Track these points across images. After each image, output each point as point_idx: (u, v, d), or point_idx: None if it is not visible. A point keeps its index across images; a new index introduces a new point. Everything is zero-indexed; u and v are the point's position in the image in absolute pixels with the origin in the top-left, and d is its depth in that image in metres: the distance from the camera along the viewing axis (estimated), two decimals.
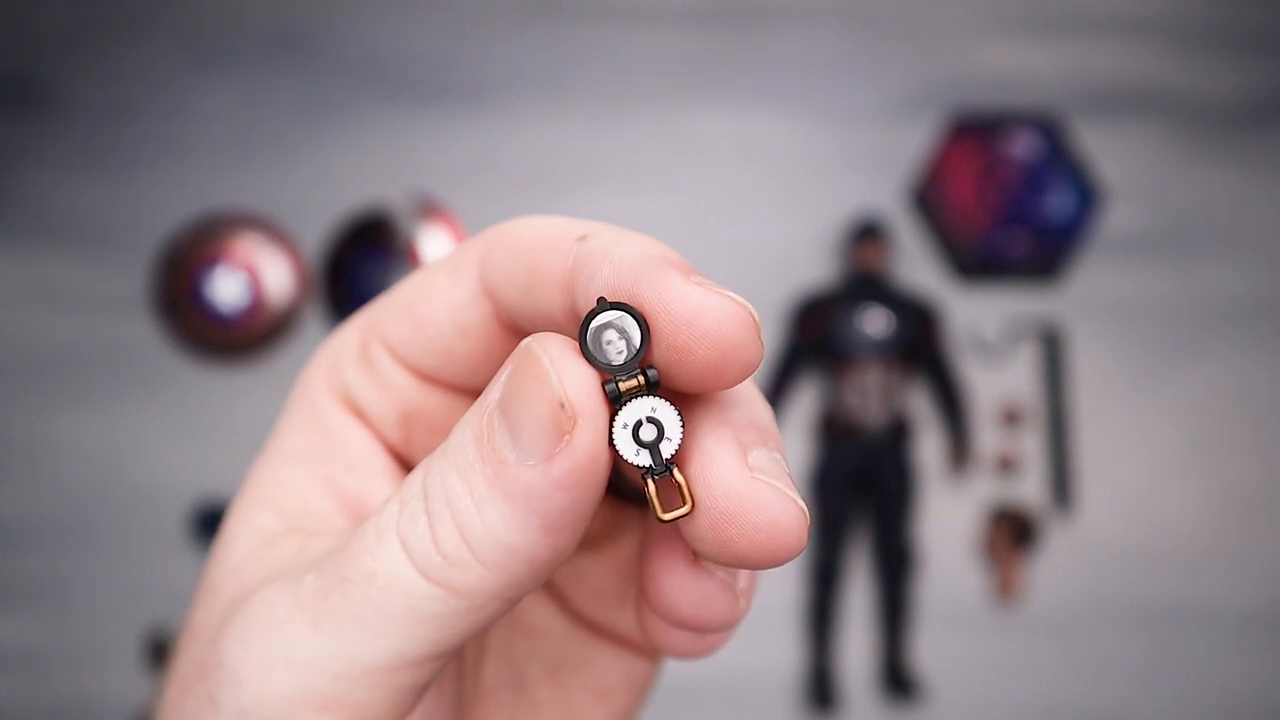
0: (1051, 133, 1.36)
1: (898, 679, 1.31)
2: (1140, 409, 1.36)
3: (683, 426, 0.21)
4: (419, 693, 0.23)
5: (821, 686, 1.31)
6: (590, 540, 0.28)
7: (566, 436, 0.20)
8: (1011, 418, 1.34)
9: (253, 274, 1.33)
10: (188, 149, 1.36)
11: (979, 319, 1.36)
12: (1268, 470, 1.35)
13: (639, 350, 0.21)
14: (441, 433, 0.27)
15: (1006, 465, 1.34)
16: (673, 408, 0.21)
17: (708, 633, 0.26)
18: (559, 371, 0.21)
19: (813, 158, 1.38)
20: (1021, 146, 1.36)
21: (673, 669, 0.30)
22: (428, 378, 0.27)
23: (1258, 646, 1.33)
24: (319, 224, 1.35)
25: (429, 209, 1.33)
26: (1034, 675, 1.32)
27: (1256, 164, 1.39)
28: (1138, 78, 1.39)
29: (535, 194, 1.35)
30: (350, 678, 0.22)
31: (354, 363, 0.27)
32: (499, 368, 0.25)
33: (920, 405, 1.35)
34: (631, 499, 0.29)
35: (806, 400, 1.35)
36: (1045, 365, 1.35)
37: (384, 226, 1.34)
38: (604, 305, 0.21)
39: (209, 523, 1.30)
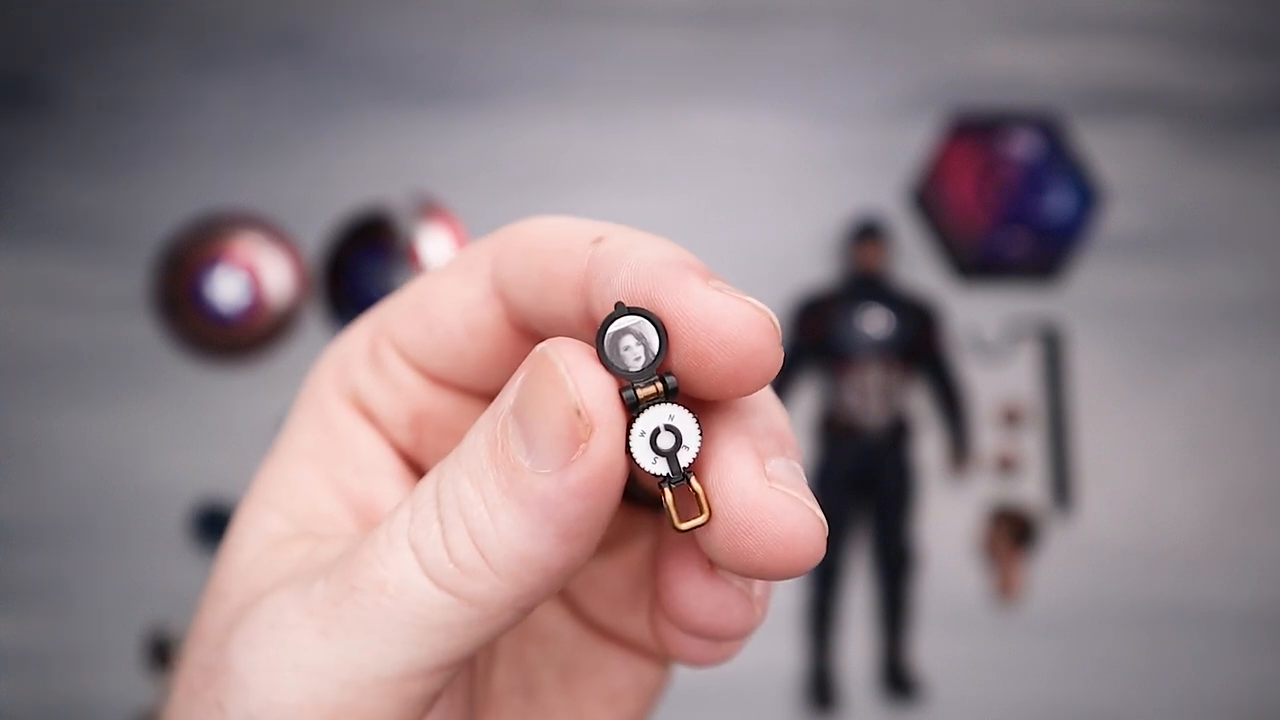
0: (1051, 133, 1.36)
1: (898, 679, 1.31)
2: (1140, 409, 1.36)
3: (701, 434, 0.21)
4: (429, 702, 0.22)
5: (821, 686, 1.31)
6: (603, 544, 0.28)
7: (583, 444, 0.20)
8: (1011, 418, 1.34)
9: (253, 274, 1.33)
10: (188, 149, 1.36)
11: (979, 319, 1.36)
12: (1268, 470, 1.35)
13: (657, 356, 0.21)
14: (451, 435, 0.27)
15: (1006, 465, 1.34)
16: (691, 415, 0.21)
17: (723, 640, 0.25)
18: (575, 378, 0.20)
19: (813, 158, 1.38)
20: (1021, 146, 1.36)
21: (675, 670, 0.30)
22: (438, 379, 0.26)
23: (1258, 646, 1.33)
24: (319, 224, 1.35)
25: (429, 209, 1.33)
26: (1034, 675, 1.32)
27: (1256, 164, 1.38)
28: (1138, 78, 1.39)
29: (535, 194, 1.34)
30: (360, 686, 0.21)
31: (363, 364, 0.27)
32: (510, 370, 0.25)
33: (920, 405, 1.34)
34: (645, 503, 0.28)
35: (806, 400, 1.35)
36: (1045, 365, 1.35)
37: (384, 226, 1.34)
38: (621, 310, 0.21)
39: (209, 523, 1.29)
